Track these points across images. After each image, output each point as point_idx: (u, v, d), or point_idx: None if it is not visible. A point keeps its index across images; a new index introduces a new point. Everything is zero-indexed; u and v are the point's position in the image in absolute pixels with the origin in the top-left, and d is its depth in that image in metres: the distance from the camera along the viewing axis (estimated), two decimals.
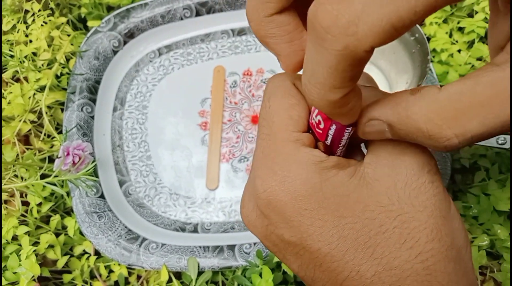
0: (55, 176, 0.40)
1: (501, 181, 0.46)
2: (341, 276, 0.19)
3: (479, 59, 0.50)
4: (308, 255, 0.19)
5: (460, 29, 0.53)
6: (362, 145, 0.23)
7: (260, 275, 0.42)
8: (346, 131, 0.19)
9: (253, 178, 0.21)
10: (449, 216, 0.19)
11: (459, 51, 0.52)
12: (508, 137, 0.45)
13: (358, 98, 0.18)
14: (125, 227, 0.46)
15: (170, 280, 0.44)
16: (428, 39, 0.54)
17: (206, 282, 0.43)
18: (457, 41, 0.52)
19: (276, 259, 0.42)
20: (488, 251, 0.43)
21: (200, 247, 0.45)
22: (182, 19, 0.55)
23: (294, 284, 0.43)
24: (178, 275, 0.45)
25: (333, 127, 0.19)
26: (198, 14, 0.56)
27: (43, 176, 0.44)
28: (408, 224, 0.18)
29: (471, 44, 0.52)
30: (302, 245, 0.19)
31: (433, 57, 0.52)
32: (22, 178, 0.47)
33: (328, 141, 0.20)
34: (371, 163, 0.20)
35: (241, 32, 0.56)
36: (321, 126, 0.19)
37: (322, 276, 0.19)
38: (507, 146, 0.45)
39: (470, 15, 0.52)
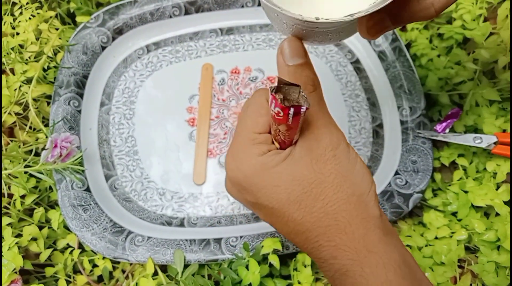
0: (41, 166, 0.40)
1: (478, 179, 0.48)
2: (284, 219, 0.29)
3: (457, 63, 0.53)
4: (264, 209, 0.30)
5: (440, 35, 0.55)
6: None
7: (247, 267, 0.42)
8: (302, 110, 0.25)
9: (226, 161, 0.32)
10: (352, 174, 0.29)
11: (438, 56, 0.54)
12: (484, 136, 0.47)
13: (309, 71, 0.30)
14: (111, 220, 0.46)
15: (155, 273, 0.44)
16: (409, 44, 0.56)
17: (192, 275, 0.43)
18: (436, 47, 0.55)
19: (262, 252, 0.43)
20: (466, 245, 0.45)
21: (186, 240, 0.45)
22: (171, 17, 0.56)
23: (279, 277, 0.44)
24: (164, 268, 0.45)
25: (291, 110, 0.25)
26: (187, 12, 0.56)
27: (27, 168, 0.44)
28: (320, 185, 0.28)
29: (449, 49, 0.54)
30: (258, 204, 0.30)
31: (414, 61, 0.55)
32: (5, 169, 0.46)
33: (290, 121, 0.26)
34: (297, 146, 0.29)
35: (229, 31, 0.57)
36: (281, 114, 0.25)
37: (275, 220, 0.30)
38: (483, 145, 0.47)
39: (449, 22, 0.55)
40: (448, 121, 0.50)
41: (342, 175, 0.28)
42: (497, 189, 0.46)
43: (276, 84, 0.25)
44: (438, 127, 0.50)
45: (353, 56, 0.56)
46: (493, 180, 0.46)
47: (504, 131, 0.48)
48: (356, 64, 0.56)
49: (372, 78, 0.55)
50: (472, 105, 0.51)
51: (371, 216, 0.28)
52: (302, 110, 0.25)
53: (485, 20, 0.52)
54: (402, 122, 0.51)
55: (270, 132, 0.31)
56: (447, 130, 0.50)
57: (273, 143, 0.31)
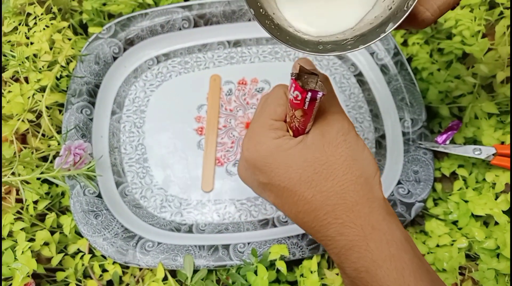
0: (58, 172, 0.41)
1: (477, 189, 0.49)
2: (294, 199, 0.31)
3: (457, 77, 0.55)
4: (275, 189, 0.32)
5: (440, 50, 0.57)
6: None
7: (255, 272, 0.43)
8: (318, 95, 0.27)
9: (243, 143, 0.34)
10: (360, 158, 0.31)
11: (438, 69, 0.56)
12: (483, 147, 0.49)
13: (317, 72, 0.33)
14: (122, 226, 0.47)
15: (165, 278, 0.45)
16: (411, 58, 0.58)
17: (202, 280, 0.44)
18: (436, 61, 0.57)
19: (270, 258, 0.44)
20: (466, 253, 0.46)
21: (195, 246, 0.46)
22: (180, 29, 0.58)
23: (286, 283, 0.45)
24: (173, 273, 0.46)
25: (309, 94, 0.27)
26: (196, 25, 0.58)
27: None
28: (331, 166, 0.30)
29: (449, 63, 0.56)
30: (271, 184, 0.32)
31: (415, 74, 0.57)
32: (19, 175, 0.47)
33: (306, 106, 0.28)
34: (311, 132, 0.32)
35: (236, 43, 0.59)
36: (299, 97, 0.28)
37: (285, 201, 0.32)
38: (482, 156, 0.49)
39: (449, 37, 0.57)
40: (449, 133, 0.51)
41: (352, 158, 0.31)
42: (496, 199, 0.47)
43: (297, 71, 0.28)
44: (439, 139, 0.52)
45: (356, 69, 0.58)
46: (492, 190, 0.48)
47: (502, 143, 0.49)
48: (359, 77, 0.58)
49: (374, 91, 0.57)
50: (471, 117, 0.52)
51: (376, 198, 0.31)
52: (318, 95, 0.27)
53: (483, 36, 0.54)
54: (404, 133, 0.53)
55: (285, 121, 0.34)
56: (448, 142, 0.51)
57: (287, 131, 0.34)
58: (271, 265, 0.45)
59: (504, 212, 0.46)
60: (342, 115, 0.33)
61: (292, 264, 0.47)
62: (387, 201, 0.32)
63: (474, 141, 0.52)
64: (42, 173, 0.44)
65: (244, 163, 0.35)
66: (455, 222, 0.49)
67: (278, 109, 0.33)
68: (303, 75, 0.28)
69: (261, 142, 0.32)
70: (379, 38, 0.26)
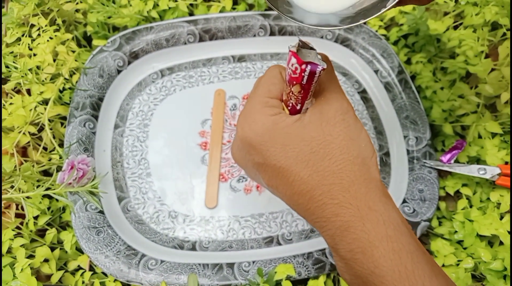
0: (62, 189, 0.40)
1: (482, 209, 0.49)
2: (290, 179, 0.30)
3: (460, 96, 0.55)
4: (270, 170, 0.31)
5: (443, 69, 0.58)
6: None
7: None
8: (317, 69, 0.27)
9: (237, 123, 0.33)
10: (358, 139, 0.31)
11: (442, 88, 0.57)
12: (488, 167, 0.49)
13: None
14: (124, 243, 0.46)
15: None
16: (414, 76, 0.59)
17: None
18: (440, 79, 0.57)
19: (276, 277, 0.43)
20: (472, 273, 0.46)
21: (199, 264, 0.45)
22: (185, 43, 0.58)
23: None
24: None
25: (308, 67, 0.26)
26: (201, 40, 0.58)
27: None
28: (328, 146, 0.30)
29: (453, 82, 0.57)
30: (266, 164, 0.31)
31: (419, 93, 0.57)
32: (19, 189, 0.46)
33: (304, 81, 0.28)
34: (309, 111, 0.31)
35: (241, 58, 0.59)
36: (298, 70, 0.27)
37: (280, 182, 0.31)
38: (487, 176, 0.49)
39: (452, 56, 0.57)
40: (453, 152, 0.52)
41: (349, 137, 0.30)
42: (501, 219, 0.47)
43: (296, 43, 0.27)
44: (444, 158, 0.52)
45: (360, 86, 0.58)
46: (497, 210, 0.48)
47: (506, 163, 0.50)
48: (363, 94, 0.58)
49: (378, 108, 0.57)
50: (475, 137, 0.53)
51: (373, 178, 0.30)
52: (318, 69, 0.26)
53: (486, 56, 0.55)
54: (408, 152, 0.53)
55: (281, 100, 0.33)
56: (452, 161, 0.51)
57: (283, 110, 0.33)
58: (276, 285, 0.44)
59: (509, 232, 0.46)
60: (341, 94, 0.32)
61: (297, 284, 0.46)
62: (383, 183, 0.31)
63: (478, 160, 0.52)
64: (47, 189, 0.43)
65: (239, 143, 0.34)
66: (460, 242, 0.48)
67: (273, 87, 0.32)
68: (302, 49, 0.27)
69: (257, 119, 0.31)
70: (380, 12, 0.25)
